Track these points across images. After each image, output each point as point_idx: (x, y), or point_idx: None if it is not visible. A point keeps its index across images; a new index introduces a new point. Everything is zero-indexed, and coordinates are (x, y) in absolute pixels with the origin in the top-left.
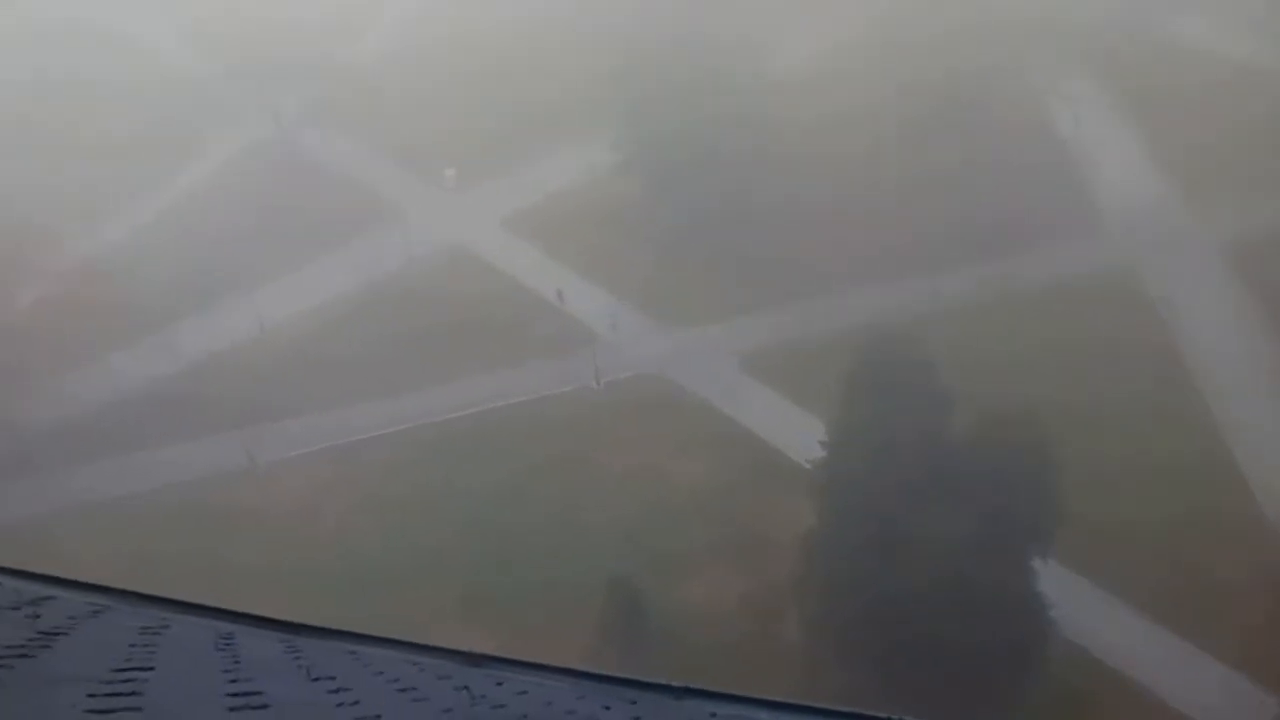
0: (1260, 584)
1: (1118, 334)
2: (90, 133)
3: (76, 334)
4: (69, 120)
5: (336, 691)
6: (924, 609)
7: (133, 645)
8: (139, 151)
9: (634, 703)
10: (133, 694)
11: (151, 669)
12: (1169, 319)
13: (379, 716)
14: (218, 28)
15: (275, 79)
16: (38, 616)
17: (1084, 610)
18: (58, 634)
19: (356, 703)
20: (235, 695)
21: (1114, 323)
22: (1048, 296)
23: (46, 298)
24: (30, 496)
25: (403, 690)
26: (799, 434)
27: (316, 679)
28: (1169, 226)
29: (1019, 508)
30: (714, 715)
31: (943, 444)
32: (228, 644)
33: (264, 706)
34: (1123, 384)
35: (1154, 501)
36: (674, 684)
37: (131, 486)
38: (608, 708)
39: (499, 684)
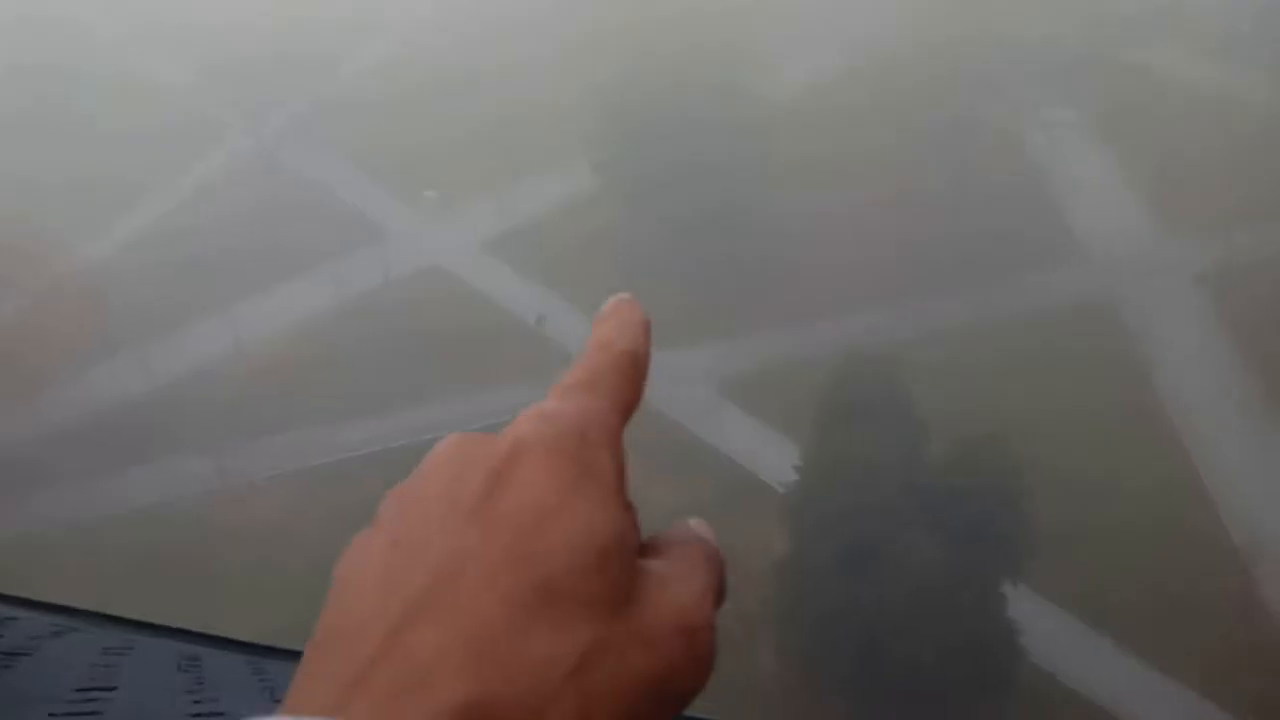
0: (1229, 610)
1: (1092, 359)
2: (67, 151)
3: (50, 352)
4: (45, 138)
5: None
6: (895, 634)
7: (95, 665)
8: (116, 169)
9: None
10: (94, 714)
11: (115, 689)
12: (1143, 344)
13: None
14: (199, 45)
15: (256, 97)
16: (1, 636)
17: (1053, 636)
18: (19, 655)
19: None
20: (198, 716)
21: (1088, 348)
22: (1023, 322)
23: (19, 316)
24: (1, 517)
25: None
26: (773, 457)
27: (280, 700)
28: (1144, 253)
29: (991, 533)
30: None
31: (916, 469)
32: (193, 665)
33: None
34: (1097, 410)
35: (1124, 527)
36: None
37: (105, 507)
38: None
39: None
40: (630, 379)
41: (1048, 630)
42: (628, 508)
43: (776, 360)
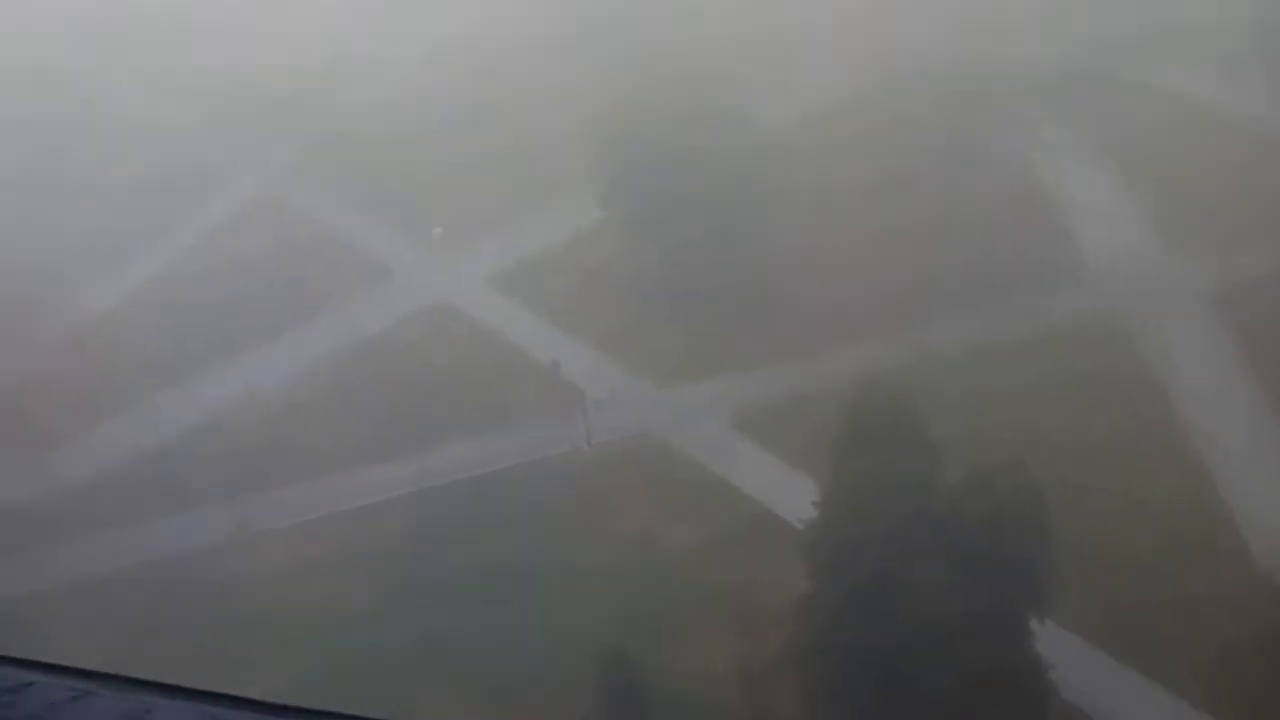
0: (1259, 635)
1: (1105, 381)
2: (71, 198)
3: (60, 407)
4: (48, 185)
5: None
6: (918, 669)
7: None
8: (120, 216)
9: None
10: None
11: None
12: (1157, 364)
13: None
14: (199, 86)
15: (260, 138)
16: (13, 704)
17: (1078, 667)
18: None
19: None
20: None
21: (1101, 369)
22: (1034, 345)
23: (25, 371)
24: (14, 577)
25: None
26: (790, 492)
27: None
28: (1153, 272)
29: (1014, 563)
30: None
31: (935, 498)
32: None
33: None
34: (1113, 432)
35: (1147, 551)
36: None
37: (118, 563)
38: None
39: None
40: None
41: (1072, 661)
42: None
43: (788, 392)
